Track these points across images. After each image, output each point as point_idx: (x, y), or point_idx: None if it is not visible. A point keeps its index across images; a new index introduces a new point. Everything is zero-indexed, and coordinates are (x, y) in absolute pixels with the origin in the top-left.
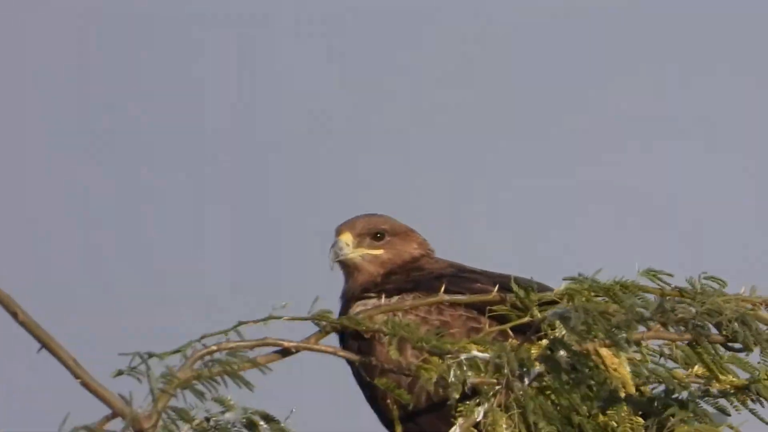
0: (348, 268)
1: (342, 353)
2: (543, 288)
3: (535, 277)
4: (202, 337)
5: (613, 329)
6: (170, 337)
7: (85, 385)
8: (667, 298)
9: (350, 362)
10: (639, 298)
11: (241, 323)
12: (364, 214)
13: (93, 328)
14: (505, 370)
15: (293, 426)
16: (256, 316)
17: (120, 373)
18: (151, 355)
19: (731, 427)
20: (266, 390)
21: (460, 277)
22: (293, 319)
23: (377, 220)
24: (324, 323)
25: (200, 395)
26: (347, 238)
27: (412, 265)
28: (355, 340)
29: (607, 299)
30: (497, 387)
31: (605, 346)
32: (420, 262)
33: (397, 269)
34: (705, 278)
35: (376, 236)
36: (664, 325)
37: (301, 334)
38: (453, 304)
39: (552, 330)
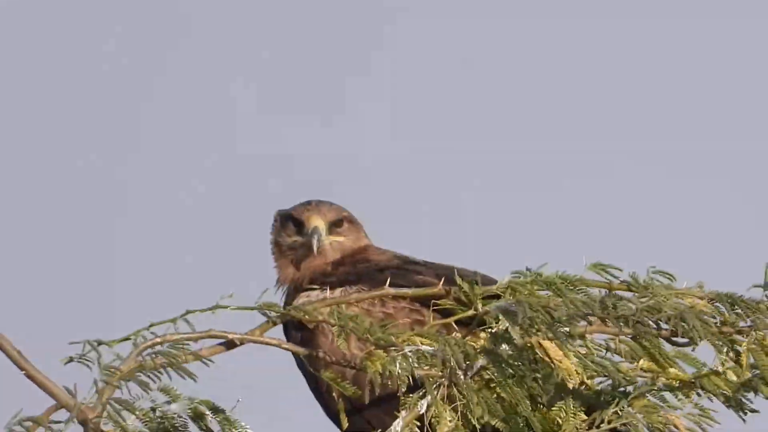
0: (308, 254)
1: (286, 345)
2: (487, 281)
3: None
4: (151, 325)
5: (555, 323)
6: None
7: (30, 377)
8: (609, 294)
9: (295, 354)
10: (582, 293)
11: (188, 312)
12: (320, 200)
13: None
14: (449, 363)
15: (240, 416)
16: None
17: (70, 360)
18: (100, 343)
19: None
20: (215, 380)
21: (403, 270)
22: (240, 308)
23: (338, 207)
24: (271, 314)
25: (144, 386)
26: (322, 225)
27: (360, 255)
28: (297, 331)
29: (550, 293)
30: (441, 380)
31: (548, 339)
32: (367, 253)
33: (346, 259)
34: (653, 272)
35: (338, 223)
36: (604, 320)
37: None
38: (396, 297)
39: (496, 323)
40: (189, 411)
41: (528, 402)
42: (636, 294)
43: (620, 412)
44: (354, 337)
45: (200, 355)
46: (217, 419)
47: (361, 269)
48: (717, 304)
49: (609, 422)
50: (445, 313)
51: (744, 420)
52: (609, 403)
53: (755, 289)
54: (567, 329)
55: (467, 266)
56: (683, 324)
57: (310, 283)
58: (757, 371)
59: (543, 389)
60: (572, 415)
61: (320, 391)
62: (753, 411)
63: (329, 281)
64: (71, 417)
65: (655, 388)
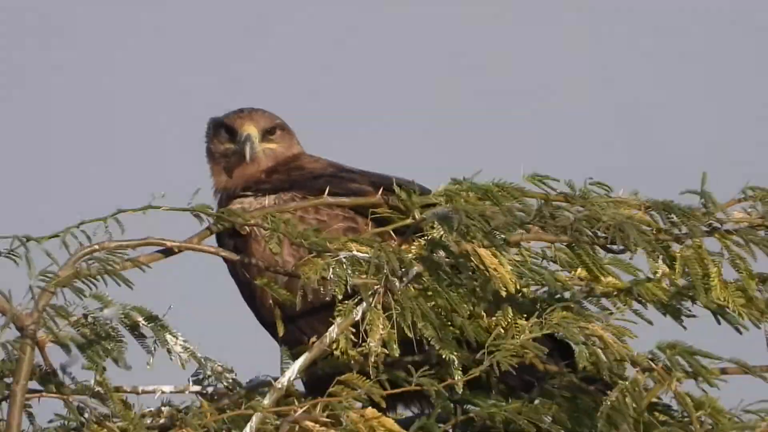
0: (241, 162)
1: (224, 253)
2: (424, 190)
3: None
4: (81, 224)
5: (492, 231)
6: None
7: None
8: (547, 203)
9: (228, 261)
10: (518, 202)
11: (120, 211)
12: (253, 108)
13: None
14: (384, 270)
15: (172, 323)
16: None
17: None
18: (29, 239)
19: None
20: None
21: (338, 177)
22: (173, 209)
23: (271, 114)
24: (211, 223)
25: (79, 293)
26: (255, 132)
27: (293, 163)
28: (231, 238)
29: (486, 201)
30: (376, 287)
31: (484, 247)
32: (301, 161)
33: (279, 167)
34: (590, 184)
35: (271, 130)
36: (543, 229)
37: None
38: (331, 205)
39: (432, 230)
40: (121, 317)
41: (465, 306)
42: (573, 204)
43: (542, 323)
44: (287, 243)
45: (138, 261)
46: (150, 326)
47: (295, 177)
48: (652, 212)
49: (530, 332)
50: (382, 221)
51: (684, 327)
52: (545, 312)
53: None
54: (503, 237)
55: (401, 175)
56: (621, 234)
57: (244, 190)
58: (690, 278)
59: (480, 297)
60: (514, 323)
61: (254, 300)
62: (690, 316)
63: (263, 188)
64: (6, 323)
65: (591, 296)
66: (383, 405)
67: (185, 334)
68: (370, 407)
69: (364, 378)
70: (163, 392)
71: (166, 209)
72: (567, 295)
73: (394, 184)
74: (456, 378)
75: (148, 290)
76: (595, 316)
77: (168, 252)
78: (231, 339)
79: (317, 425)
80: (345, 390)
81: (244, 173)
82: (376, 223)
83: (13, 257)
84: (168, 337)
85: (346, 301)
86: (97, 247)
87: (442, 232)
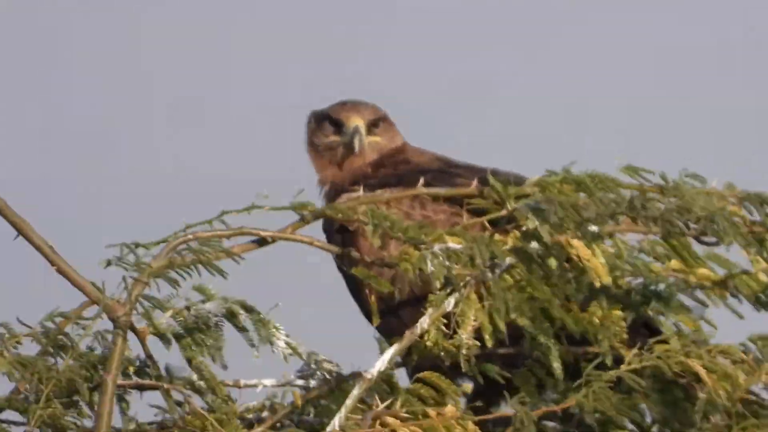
0: (348, 154)
1: (318, 243)
2: (521, 180)
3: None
4: (187, 227)
5: (584, 222)
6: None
7: (61, 272)
8: (638, 194)
9: (335, 255)
10: (611, 193)
11: (224, 212)
12: (356, 100)
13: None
14: (477, 261)
15: (275, 319)
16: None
17: (109, 263)
18: (137, 245)
19: (707, 321)
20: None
21: (445, 173)
22: (275, 208)
23: (375, 106)
24: (305, 213)
25: (174, 283)
26: (362, 123)
27: (399, 156)
28: (339, 234)
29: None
30: (468, 278)
31: (577, 238)
32: (407, 154)
33: (385, 160)
34: (686, 176)
35: (375, 122)
36: (634, 220)
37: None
38: (436, 199)
39: (525, 221)
40: (223, 310)
41: (561, 295)
42: (666, 195)
43: (642, 355)
44: (394, 241)
45: (232, 251)
46: (251, 319)
47: (402, 171)
48: (747, 204)
49: (629, 363)
50: (480, 213)
51: None
52: (639, 304)
53: None
54: (596, 228)
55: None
56: (713, 225)
57: (351, 184)
58: None
59: (576, 288)
60: (609, 315)
61: (357, 292)
62: None
63: (370, 183)
64: (99, 312)
65: (686, 288)
66: (453, 400)
67: (289, 327)
68: (450, 405)
69: (442, 375)
70: (264, 386)
71: (269, 209)
72: (662, 287)
73: (489, 175)
74: (554, 366)
75: (261, 285)
76: (696, 351)
77: (262, 242)
78: (340, 332)
79: (397, 421)
80: (423, 387)
81: (351, 167)
82: (474, 215)
83: (123, 265)
84: (271, 330)
85: (439, 292)
86: (190, 236)
87: (535, 224)
